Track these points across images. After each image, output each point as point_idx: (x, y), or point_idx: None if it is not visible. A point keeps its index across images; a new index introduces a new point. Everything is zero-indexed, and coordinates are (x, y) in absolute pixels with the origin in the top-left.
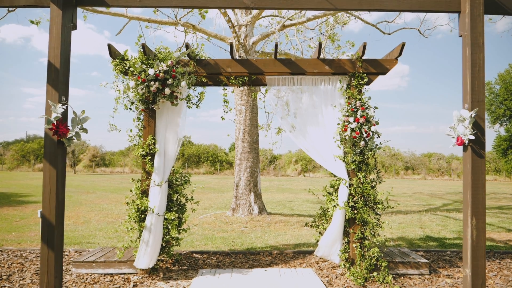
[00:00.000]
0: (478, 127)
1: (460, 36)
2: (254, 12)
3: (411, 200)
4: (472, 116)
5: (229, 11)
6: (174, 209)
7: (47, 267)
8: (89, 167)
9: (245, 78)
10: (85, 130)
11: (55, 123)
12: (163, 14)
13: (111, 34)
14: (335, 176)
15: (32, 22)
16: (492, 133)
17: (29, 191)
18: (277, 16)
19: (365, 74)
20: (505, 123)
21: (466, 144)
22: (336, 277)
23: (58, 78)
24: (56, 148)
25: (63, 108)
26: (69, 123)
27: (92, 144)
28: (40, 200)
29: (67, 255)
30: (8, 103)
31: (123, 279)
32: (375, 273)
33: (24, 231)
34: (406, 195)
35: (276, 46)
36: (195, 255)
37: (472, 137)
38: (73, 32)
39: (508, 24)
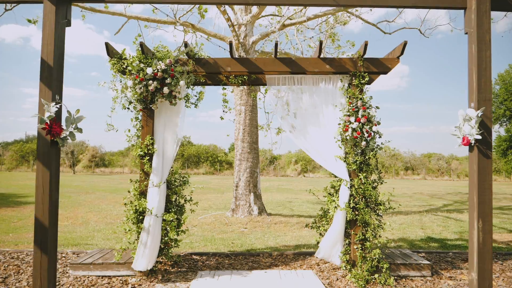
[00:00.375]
0: (484, 126)
1: (466, 33)
2: (254, 11)
3: (411, 201)
4: (479, 115)
5: (229, 10)
6: (173, 210)
7: (40, 271)
8: (89, 167)
9: (245, 77)
10: (80, 130)
11: (48, 122)
12: (162, 13)
13: (111, 34)
14: (335, 176)
15: (29, 21)
16: (492, 133)
17: (28, 192)
18: (277, 15)
19: (366, 73)
20: (505, 124)
21: (472, 144)
22: (337, 279)
23: (51, 76)
24: (49, 148)
25: (56, 107)
26: (64, 123)
27: (92, 144)
28: None
29: (64, 256)
30: (8, 103)
31: (121, 282)
32: (376, 275)
33: (21, 232)
34: (406, 196)
35: (276, 44)
36: (194, 256)
37: (479, 137)
38: (72, 32)
39: (508, 25)
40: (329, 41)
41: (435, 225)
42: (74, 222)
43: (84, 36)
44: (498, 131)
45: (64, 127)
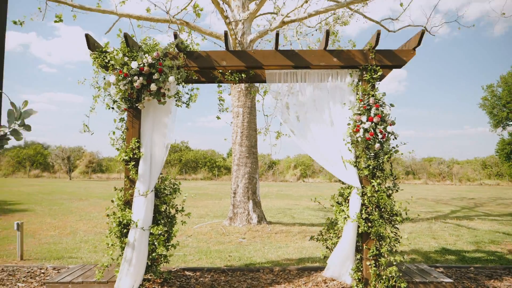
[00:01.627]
0: None
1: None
2: (252, 8)
3: (416, 207)
4: None
5: (226, 7)
6: (162, 222)
7: None
8: (85, 173)
9: (242, 74)
10: (28, 128)
11: None
12: (155, 11)
13: (108, 38)
14: (343, 183)
15: (15, 22)
16: (495, 136)
17: (19, 199)
18: (275, 13)
19: (379, 67)
20: (508, 126)
21: None
22: None
23: None
24: None
25: None
26: (5, 118)
27: (89, 150)
28: (29, 208)
29: (43, 272)
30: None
31: None
32: None
33: (3, 243)
34: (411, 201)
35: (277, 35)
36: (187, 272)
37: None
38: (70, 37)
39: (506, 28)
40: (329, 42)
41: (447, 234)
42: (61, 232)
43: (80, 39)
44: (501, 134)
45: (5, 124)
